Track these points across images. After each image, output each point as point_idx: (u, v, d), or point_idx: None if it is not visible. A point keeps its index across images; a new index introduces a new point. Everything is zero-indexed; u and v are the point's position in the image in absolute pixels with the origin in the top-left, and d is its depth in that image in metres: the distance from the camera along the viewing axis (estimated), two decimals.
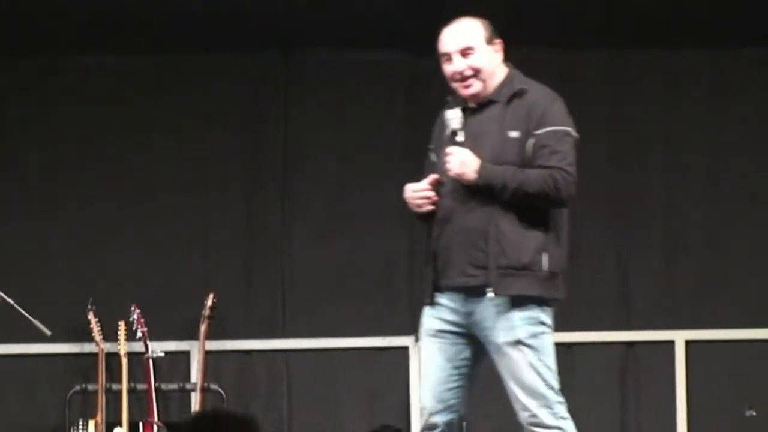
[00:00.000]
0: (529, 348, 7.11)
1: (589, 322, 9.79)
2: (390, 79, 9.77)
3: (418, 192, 7.22)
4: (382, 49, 9.28)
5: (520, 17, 9.77)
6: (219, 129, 9.77)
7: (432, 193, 7.19)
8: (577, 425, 9.59)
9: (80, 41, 10.05)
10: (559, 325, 9.10)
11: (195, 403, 9.20)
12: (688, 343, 9.64)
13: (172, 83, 9.90)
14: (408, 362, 9.56)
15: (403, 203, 7.44)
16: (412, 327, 8.89)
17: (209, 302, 9.09)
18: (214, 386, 9.23)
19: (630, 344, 9.86)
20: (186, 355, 9.31)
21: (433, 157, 7.39)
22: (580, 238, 9.67)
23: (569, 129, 7.24)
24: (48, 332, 8.53)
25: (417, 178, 7.61)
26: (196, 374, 9.23)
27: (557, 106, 7.29)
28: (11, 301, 8.18)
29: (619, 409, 9.92)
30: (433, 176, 7.21)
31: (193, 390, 9.21)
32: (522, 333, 7.12)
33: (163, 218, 9.44)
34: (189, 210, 9.36)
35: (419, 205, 7.22)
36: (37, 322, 8.36)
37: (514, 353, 7.14)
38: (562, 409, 7.14)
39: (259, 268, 9.51)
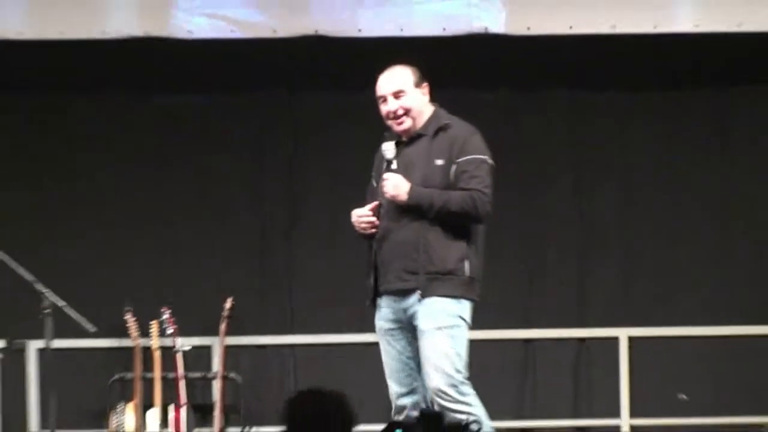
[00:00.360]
0: (445, 336, 7.40)
1: (549, 321, 9.83)
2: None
3: (362, 217, 7.51)
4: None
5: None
6: (236, 157, 9.75)
7: (374, 219, 7.51)
8: (537, 409, 9.85)
9: (125, 84, 9.93)
10: (522, 324, 9.43)
11: (216, 389, 9.25)
12: (630, 339, 9.63)
13: (199, 116, 9.89)
14: None
15: None
16: None
17: (228, 305, 9.11)
18: (232, 375, 9.28)
19: (582, 340, 9.82)
20: (208, 348, 9.36)
21: (374, 182, 7.69)
22: (546, 251, 10.03)
23: (486, 157, 7.54)
24: (92, 329, 8.43)
25: None
26: (216, 365, 9.28)
27: (476, 138, 7.59)
28: (62, 303, 8.11)
29: (573, 394, 9.88)
30: (374, 203, 7.51)
31: (214, 378, 9.26)
32: (441, 323, 7.39)
33: (190, 236, 9.48)
34: (212, 228, 9.38)
35: (364, 229, 7.53)
36: (83, 320, 8.26)
37: (432, 339, 7.41)
38: (467, 389, 7.38)
39: (270, 276, 9.55)
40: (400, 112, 7.55)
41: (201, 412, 9.36)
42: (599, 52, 10.02)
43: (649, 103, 10.21)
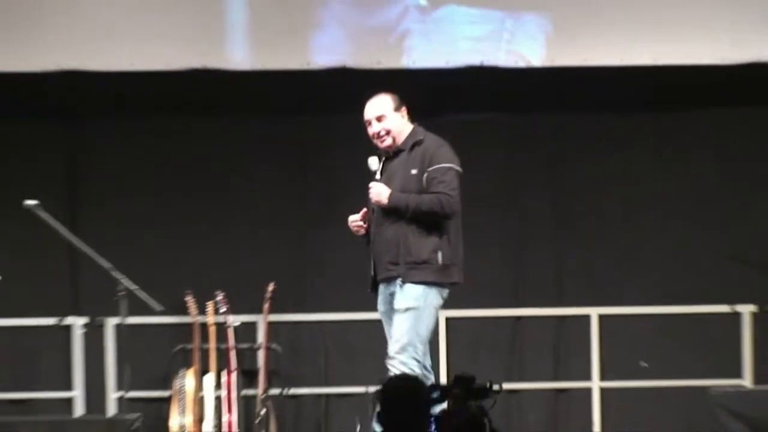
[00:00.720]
0: (409, 315, 7.64)
1: (534, 302, 9.93)
2: None
3: (354, 222, 7.81)
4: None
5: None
6: (283, 168, 9.92)
7: (361, 223, 7.81)
8: (524, 372, 9.97)
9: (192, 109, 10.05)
10: (512, 304, 9.56)
11: (260, 357, 9.38)
12: (600, 316, 9.72)
13: (257, 136, 10.02)
14: None
15: None
16: None
17: (270, 288, 9.22)
18: (273, 346, 9.40)
19: (561, 317, 9.93)
20: (254, 324, 9.43)
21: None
22: (531, 244, 10.18)
23: (452, 165, 7.74)
24: (159, 308, 8.47)
25: None
26: (261, 338, 9.39)
27: (443, 149, 7.80)
28: (134, 287, 8.15)
29: (553, 361, 9.99)
30: (364, 210, 7.79)
31: (259, 348, 9.39)
32: (409, 305, 7.63)
33: (243, 233, 9.61)
34: (260, 227, 9.54)
35: (356, 231, 7.84)
36: (151, 301, 8.33)
37: (400, 317, 7.67)
38: (413, 362, 7.60)
39: (304, 266, 9.70)
40: (382, 132, 7.80)
41: (248, 376, 9.41)
42: (575, 82, 10.04)
43: (616, 122, 10.27)
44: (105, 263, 8.30)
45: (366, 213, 7.86)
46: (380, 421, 5.35)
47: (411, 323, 7.68)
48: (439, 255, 7.68)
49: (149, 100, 10.04)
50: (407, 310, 7.69)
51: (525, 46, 10.15)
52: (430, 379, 7.87)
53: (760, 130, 10.16)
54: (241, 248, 9.82)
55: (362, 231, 7.93)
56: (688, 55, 9.86)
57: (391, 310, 7.85)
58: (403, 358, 7.66)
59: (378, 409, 5.47)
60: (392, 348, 7.71)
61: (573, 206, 10.27)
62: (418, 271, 7.70)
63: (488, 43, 10.12)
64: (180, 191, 10.02)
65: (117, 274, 8.24)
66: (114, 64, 9.80)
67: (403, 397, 5.40)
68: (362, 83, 8.75)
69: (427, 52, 10.23)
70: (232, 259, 9.81)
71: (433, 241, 7.71)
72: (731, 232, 10.17)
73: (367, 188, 7.77)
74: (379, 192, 7.72)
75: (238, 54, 10.19)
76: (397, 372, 7.52)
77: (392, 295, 7.79)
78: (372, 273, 7.90)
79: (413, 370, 7.58)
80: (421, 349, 7.71)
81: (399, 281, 7.70)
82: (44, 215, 8.20)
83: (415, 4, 10.23)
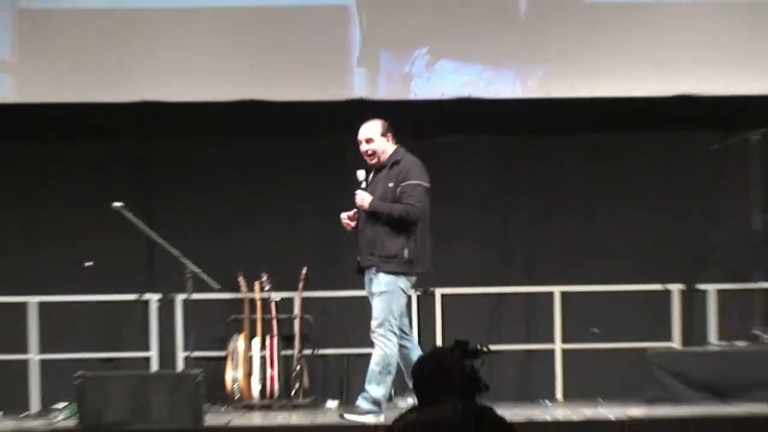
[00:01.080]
0: (383, 298, 7.78)
1: (510, 281, 9.87)
2: None
3: (344, 219, 7.92)
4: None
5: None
6: (317, 179, 9.89)
7: (349, 221, 7.92)
8: (502, 337, 9.89)
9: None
10: (493, 283, 9.47)
11: (296, 325, 9.30)
12: (562, 293, 9.69)
13: (278, 155, 9.96)
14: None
15: None
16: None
17: (303, 271, 9.22)
18: (306, 316, 9.40)
19: (532, 294, 9.89)
20: (291, 299, 9.35)
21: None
22: (508, 234, 10.11)
23: (420, 182, 7.84)
24: (217, 286, 8.55)
25: None
26: (296, 310, 9.33)
27: (415, 169, 7.88)
28: (197, 270, 8.25)
29: (525, 327, 9.97)
30: (353, 210, 7.89)
31: (295, 318, 9.30)
32: (383, 289, 7.79)
33: (280, 230, 9.58)
34: (296, 223, 9.52)
35: (345, 226, 7.93)
36: (211, 281, 8.39)
37: (376, 299, 7.82)
38: (389, 334, 7.75)
39: (330, 254, 9.61)
40: (369, 152, 7.92)
41: (286, 340, 9.38)
42: (540, 110, 9.95)
43: (575, 140, 10.21)
44: (175, 251, 8.36)
45: (355, 213, 7.94)
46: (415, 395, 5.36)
47: (384, 304, 7.82)
48: (405, 251, 7.79)
49: (207, 124, 10.02)
50: (381, 293, 7.83)
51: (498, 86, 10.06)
52: (409, 338, 8.11)
53: (681, 149, 10.18)
54: (281, 240, 9.74)
55: (350, 227, 8.00)
56: (630, 90, 9.78)
57: (370, 291, 7.99)
58: (382, 331, 7.81)
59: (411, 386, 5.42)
60: (373, 324, 7.84)
61: (542, 207, 10.19)
62: (388, 264, 7.84)
63: (471, 85, 10.01)
64: (231, 197, 9.96)
65: (184, 260, 8.33)
66: (179, 95, 9.72)
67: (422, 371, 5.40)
68: (379, 109, 8.71)
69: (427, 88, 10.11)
70: (273, 248, 9.74)
71: (401, 240, 7.82)
72: (663, 229, 10.08)
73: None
74: (363, 198, 7.85)
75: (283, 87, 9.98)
76: (380, 342, 7.80)
77: (371, 279, 7.92)
78: (358, 260, 8.00)
79: (390, 340, 7.82)
80: (395, 323, 7.80)
81: (374, 270, 7.82)
82: (128, 214, 8.28)
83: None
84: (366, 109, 8.71)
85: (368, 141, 7.93)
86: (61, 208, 9.79)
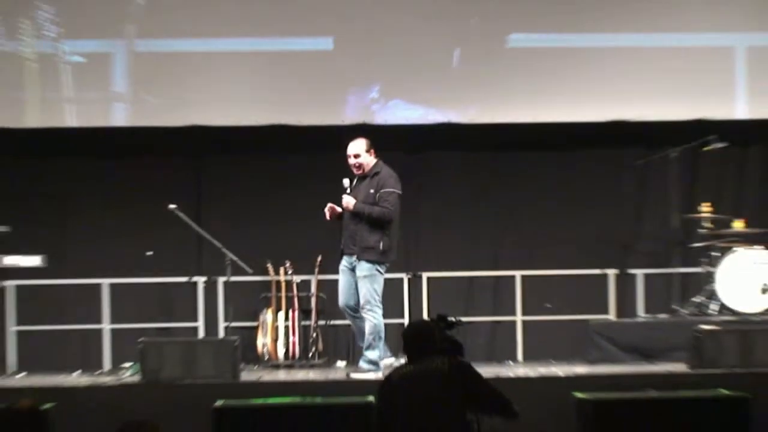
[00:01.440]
0: (367, 280, 7.82)
1: (479, 265, 9.82)
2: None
3: (327, 210, 7.93)
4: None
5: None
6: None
7: (327, 212, 7.93)
8: (476, 310, 9.78)
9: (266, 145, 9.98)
10: (466, 267, 9.38)
11: (312, 301, 9.25)
12: (522, 276, 9.62)
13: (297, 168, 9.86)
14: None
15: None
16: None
17: (318, 259, 9.18)
18: (321, 294, 9.32)
19: (497, 277, 9.83)
20: (309, 281, 9.29)
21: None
22: (480, 229, 9.98)
23: (394, 189, 7.84)
24: (250, 271, 8.67)
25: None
26: (313, 289, 9.30)
27: (391, 180, 7.89)
28: (235, 258, 8.30)
29: (492, 303, 9.91)
30: (333, 205, 7.91)
31: (312, 296, 9.27)
32: (365, 274, 7.82)
33: (301, 226, 9.41)
34: (312, 221, 8.72)
35: (328, 212, 7.93)
36: (245, 266, 8.49)
37: (362, 282, 7.84)
38: (375, 308, 7.81)
39: (339, 243, 9.39)
40: (357, 165, 7.92)
41: (304, 313, 9.31)
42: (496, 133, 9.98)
43: (528, 157, 10.15)
44: (217, 243, 8.38)
45: (333, 207, 7.95)
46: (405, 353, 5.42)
47: (368, 286, 7.86)
48: (381, 244, 7.81)
49: (242, 142, 9.98)
50: (365, 277, 7.86)
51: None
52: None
53: (615, 163, 10.14)
54: (300, 235, 9.62)
55: (327, 217, 8.00)
56: (568, 115, 9.84)
57: (350, 272, 7.99)
58: (369, 307, 7.86)
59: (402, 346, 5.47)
60: (362, 302, 7.88)
61: (506, 209, 10.14)
62: (367, 253, 7.87)
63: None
64: (261, 200, 9.89)
65: (224, 250, 8.34)
66: (222, 121, 9.77)
67: (411, 335, 5.48)
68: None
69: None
70: (294, 241, 9.64)
71: (378, 235, 7.82)
72: (602, 226, 10.05)
73: (339, 196, 7.94)
74: (348, 201, 7.87)
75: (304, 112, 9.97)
76: (369, 317, 7.85)
77: (351, 263, 7.96)
78: (341, 247, 8.02)
79: (377, 312, 7.87)
80: (378, 298, 7.84)
81: (356, 257, 7.83)
82: (180, 214, 8.36)
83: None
84: (352, 131, 8.60)
85: (356, 156, 7.95)
86: (130, 209, 9.76)
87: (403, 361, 5.61)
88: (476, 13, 9.97)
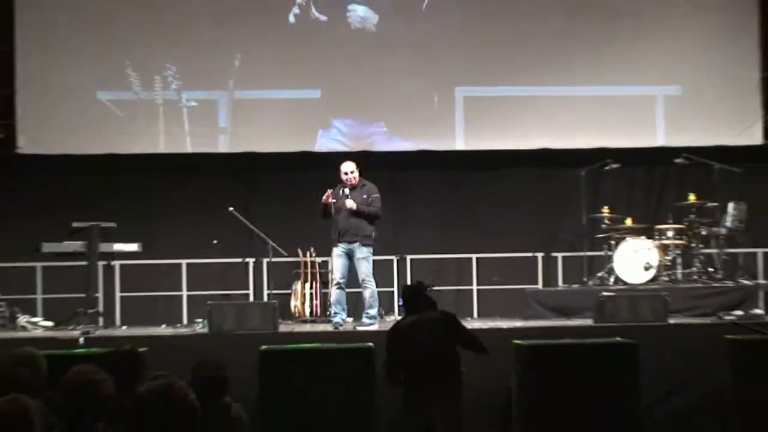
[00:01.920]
0: (365, 260, 7.79)
1: (447, 250, 9.68)
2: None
3: (325, 197, 7.80)
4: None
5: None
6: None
7: (324, 198, 7.80)
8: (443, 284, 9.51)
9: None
10: (438, 251, 9.12)
11: (329, 275, 8.78)
12: (477, 258, 9.61)
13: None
14: (393, 265, 9.50)
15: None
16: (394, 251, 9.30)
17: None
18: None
19: (459, 259, 9.71)
20: (327, 261, 8.92)
21: (332, 193, 7.86)
22: (447, 218, 9.80)
23: (378, 196, 7.88)
24: (285, 253, 8.64)
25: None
26: (329, 266, 8.82)
27: (375, 189, 7.92)
28: (274, 244, 8.30)
29: (455, 277, 9.81)
30: (330, 194, 7.80)
31: (329, 271, 8.78)
32: (364, 255, 7.79)
33: (321, 221, 8.73)
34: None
35: (324, 199, 7.79)
36: (281, 250, 8.48)
37: (362, 261, 7.78)
38: (372, 281, 7.84)
39: None
40: (352, 178, 7.88)
41: (323, 283, 9.16)
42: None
43: (487, 174, 10.07)
44: (262, 235, 8.41)
45: (330, 195, 7.82)
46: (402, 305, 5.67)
47: (367, 264, 7.84)
48: (373, 233, 7.86)
49: (280, 164, 9.95)
50: (364, 258, 7.83)
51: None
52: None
53: (543, 178, 10.08)
54: (321, 229, 9.09)
55: (327, 200, 7.84)
56: (511, 144, 9.90)
57: (346, 256, 7.87)
58: (369, 279, 7.85)
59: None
60: (363, 276, 7.83)
61: (466, 208, 10.09)
62: (365, 240, 7.80)
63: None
64: (292, 202, 9.72)
65: (267, 239, 8.37)
66: (264, 148, 9.81)
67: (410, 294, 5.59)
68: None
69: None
70: (316, 233, 9.21)
71: (370, 227, 7.79)
72: (533, 221, 10.03)
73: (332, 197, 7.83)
74: (351, 203, 7.78)
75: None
76: (369, 286, 7.83)
77: (352, 250, 7.82)
78: (336, 237, 7.88)
79: (373, 282, 7.89)
80: (371, 272, 7.86)
81: (357, 244, 7.75)
82: (236, 214, 8.37)
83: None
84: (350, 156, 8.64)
85: (352, 171, 7.96)
86: (201, 210, 9.71)
87: (394, 317, 5.68)
88: (446, 69, 10.01)
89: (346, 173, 7.91)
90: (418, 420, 5.22)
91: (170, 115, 9.78)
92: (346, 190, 7.89)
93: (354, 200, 7.84)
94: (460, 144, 10.00)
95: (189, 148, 9.80)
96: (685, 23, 9.91)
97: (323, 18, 9.84)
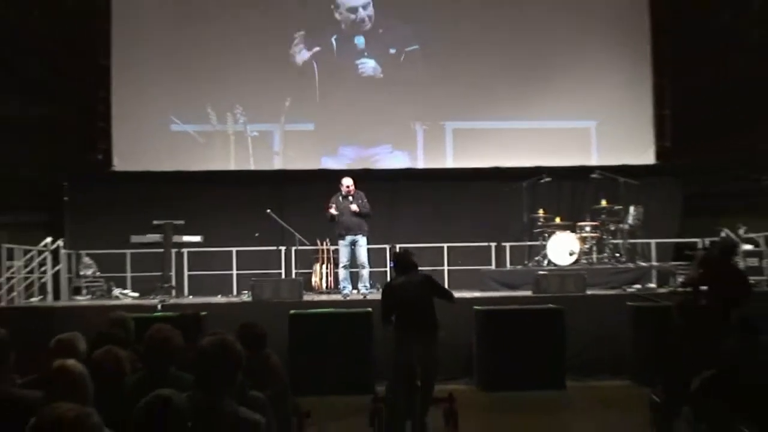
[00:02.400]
0: (365, 248, 7.77)
1: (423, 240, 9.07)
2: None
3: (328, 206, 7.69)
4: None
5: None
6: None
7: (331, 210, 7.69)
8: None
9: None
10: (417, 241, 8.81)
11: (340, 266, 8.73)
12: (448, 247, 9.35)
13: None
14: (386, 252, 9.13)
15: None
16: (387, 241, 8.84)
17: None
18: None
19: (435, 247, 9.30)
20: (338, 249, 8.68)
21: (333, 201, 7.79)
22: (422, 216, 9.65)
23: (367, 200, 7.84)
24: (307, 243, 8.58)
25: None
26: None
27: (364, 195, 7.91)
28: (300, 236, 8.20)
29: (430, 263, 9.22)
30: (333, 206, 7.67)
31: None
32: (365, 243, 7.77)
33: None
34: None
35: (327, 210, 7.69)
36: (305, 241, 8.41)
37: (361, 249, 7.75)
38: (367, 263, 7.80)
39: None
40: (352, 189, 7.89)
41: (335, 265, 8.93)
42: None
43: (457, 186, 9.90)
44: (291, 230, 8.33)
45: (331, 206, 7.68)
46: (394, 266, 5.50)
47: (364, 251, 7.84)
48: (366, 227, 7.86)
49: (306, 178, 9.80)
50: (362, 246, 7.82)
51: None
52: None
53: (496, 188, 9.86)
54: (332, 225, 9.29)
55: (330, 211, 7.74)
56: (474, 163, 9.87)
57: (350, 245, 7.78)
58: (365, 261, 7.87)
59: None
60: (364, 260, 7.75)
61: (441, 211, 9.87)
62: (364, 233, 7.78)
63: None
64: (312, 205, 9.34)
65: (295, 233, 8.30)
66: (291, 165, 9.76)
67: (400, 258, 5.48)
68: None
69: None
70: (330, 228, 9.17)
71: (367, 223, 7.75)
72: (486, 220, 9.82)
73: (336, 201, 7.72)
74: (356, 207, 7.74)
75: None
76: (368, 266, 7.74)
77: (355, 240, 7.73)
78: (343, 232, 7.74)
79: (367, 263, 7.83)
80: (367, 256, 7.83)
81: (359, 236, 7.71)
82: (273, 214, 8.37)
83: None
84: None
85: (351, 185, 7.94)
86: (247, 212, 9.53)
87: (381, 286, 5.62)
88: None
89: (348, 186, 7.98)
90: (404, 360, 5.22)
91: (239, 142, 9.82)
92: (349, 198, 7.95)
93: (352, 205, 7.94)
94: (437, 162, 10.05)
95: (252, 166, 9.87)
96: (598, 76, 10.12)
97: (341, 63, 9.93)
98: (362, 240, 7.91)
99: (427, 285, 5.37)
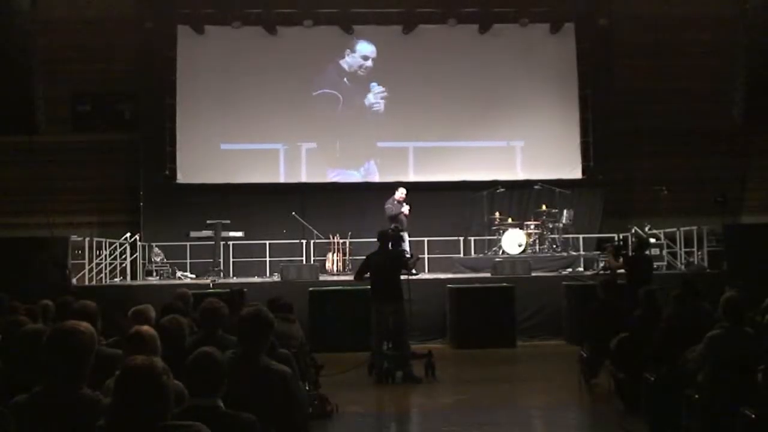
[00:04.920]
0: (406, 237, 7.01)
1: (414, 235, 8.67)
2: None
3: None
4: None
5: None
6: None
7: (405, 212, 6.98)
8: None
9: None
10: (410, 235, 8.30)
11: (347, 249, 8.78)
12: (428, 240, 9.02)
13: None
14: None
15: None
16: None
17: (349, 233, 8.74)
18: (351, 246, 8.87)
19: (416, 241, 8.98)
20: (346, 242, 8.79)
21: (391, 203, 7.30)
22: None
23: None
24: (322, 236, 8.35)
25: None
26: (347, 244, 8.88)
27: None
28: (317, 232, 8.09)
29: (415, 251, 8.90)
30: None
31: (347, 247, 8.83)
32: (406, 237, 7.05)
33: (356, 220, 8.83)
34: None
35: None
36: (321, 235, 8.27)
37: (405, 236, 6.94)
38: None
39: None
40: (405, 197, 7.42)
41: (344, 253, 8.84)
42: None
43: (427, 195, 9.46)
44: (310, 227, 8.21)
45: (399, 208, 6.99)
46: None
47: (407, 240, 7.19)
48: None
49: (322, 189, 9.56)
50: (406, 238, 7.20)
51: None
52: None
53: (459, 200, 9.64)
54: (339, 222, 9.20)
55: (404, 213, 7.03)
56: (447, 177, 9.56)
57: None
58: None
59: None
60: (405, 248, 6.75)
61: (424, 213, 9.14)
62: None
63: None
64: (328, 209, 9.25)
65: (314, 230, 8.14)
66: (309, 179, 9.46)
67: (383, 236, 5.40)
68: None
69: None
70: (338, 224, 9.17)
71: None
72: (454, 218, 9.55)
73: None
74: (407, 209, 7.35)
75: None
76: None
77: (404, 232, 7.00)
78: (399, 227, 6.66)
79: None
80: None
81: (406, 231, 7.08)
82: (297, 217, 8.20)
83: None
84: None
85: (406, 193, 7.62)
86: (279, 215, 9.11)
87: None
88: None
89: (404, 195, 7.76)
90: (379, 312, 5.13)
91: (289, 158, 9.46)
92: (403, 203, 7.76)
93: (407, 208, 7.66)
94: (425, 176, 9.74)
95: (282, 179, 9.46)
96: (539, 113, 10.02)
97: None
98: (405, 234, 7.38)
99: (397, 261, 5.35)
